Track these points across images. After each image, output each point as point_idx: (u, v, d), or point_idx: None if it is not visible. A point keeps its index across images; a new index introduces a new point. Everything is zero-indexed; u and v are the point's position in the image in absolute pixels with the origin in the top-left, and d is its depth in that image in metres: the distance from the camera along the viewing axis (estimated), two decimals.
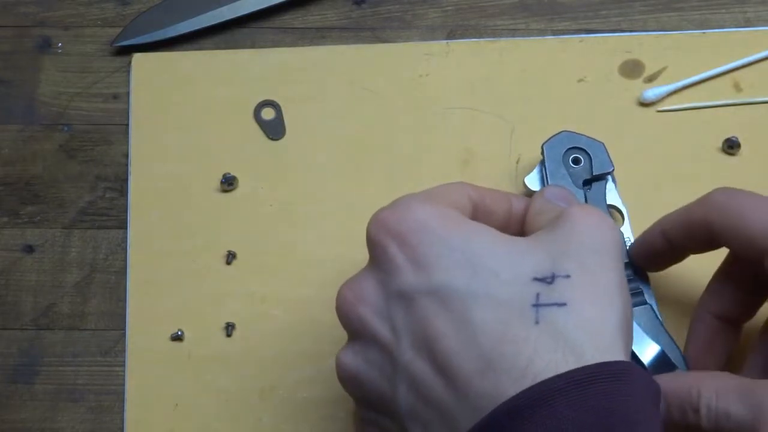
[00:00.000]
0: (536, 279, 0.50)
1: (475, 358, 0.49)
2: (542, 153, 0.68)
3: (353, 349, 0.55)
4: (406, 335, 0.52)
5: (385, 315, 0.53)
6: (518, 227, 0.60)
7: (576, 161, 0.68)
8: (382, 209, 0.56)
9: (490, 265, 0.51)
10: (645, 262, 0.65)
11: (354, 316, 0.54)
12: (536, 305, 0.49)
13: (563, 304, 0.49)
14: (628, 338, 0.51)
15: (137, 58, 0.76)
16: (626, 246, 0.66)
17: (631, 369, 0.49)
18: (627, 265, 0.65)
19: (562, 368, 0.47)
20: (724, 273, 0.62)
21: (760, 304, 0.62)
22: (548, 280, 0.50)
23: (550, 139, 0.68)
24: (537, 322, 0.49)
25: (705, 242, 0.60)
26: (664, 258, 0.64)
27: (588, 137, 0.68)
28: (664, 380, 0.56)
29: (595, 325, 0.49)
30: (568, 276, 0.50)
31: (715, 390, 0.54)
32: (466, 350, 0.49)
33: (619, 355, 0.49)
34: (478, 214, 0.58)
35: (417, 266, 0.52)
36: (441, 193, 0.57)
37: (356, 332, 0.55)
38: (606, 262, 0.52)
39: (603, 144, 0.68)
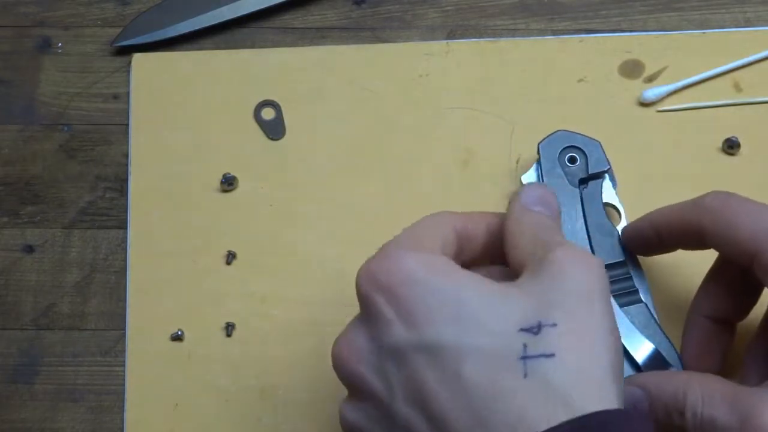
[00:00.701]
0: (523, 330, 0.50)
1: (467, 414, 0.49)
2: (538, 152, 0.68)
3: (352, 403, 0.55)
4: (400, 390, 0.52)
5: (379, 370, 0.53)
6: (499, 245, 0.59)
7: (572, 160, 0.68)
8: (370, 260, 0.55)
9: (478, 317, 0.51)
10: (634, 248, 0.66)
11: (349, 372, 0.54)
12: (524, 357, 0.49)
13: (551, 355, 0.49)
14: (620, 382, 0.51)
15: (137, 58, 0.76)
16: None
17: (622, 416, 0.48)
18: (622, 264, 0.66)
19: (553, 420, 0.47)
20: (714, 275, 0.62)
21: (752, 304, 0.62)
22: (534, 330, 0.50)
23: (546, 138, 0.68)
24: (525, 375, 0.49)
25: (695, 243, 0.60)
26: (653, 248, 0.64)
27: (584, 136, 0.68)
28: (652, 378, 0.56)
29: (585, 373, 0.49)
30: (554, 324, 0.50)
31: (702, 395, 0.54)
32: (458, 407, 0.49)
33: (610, 402, 0.49)
34: (463, 242, 0.58)
35: (406, 321, 0.52)
36: (426, 232, 0.56)
37: (353, 387, 0.55)
38: (593, 307, 0.51)
39: (599, 142, 0.68)
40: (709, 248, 0.60)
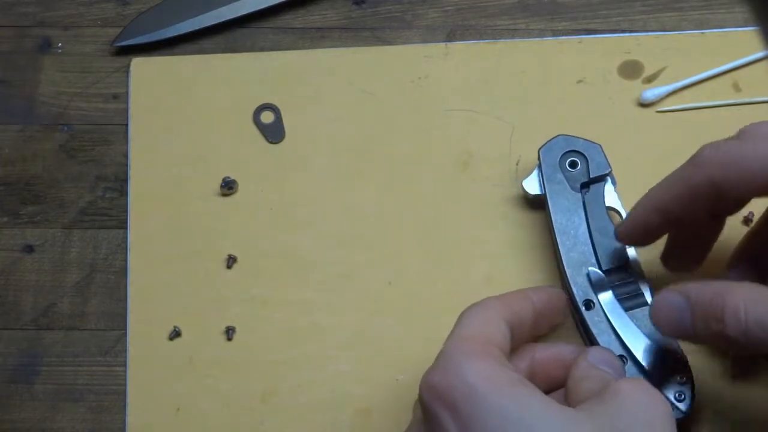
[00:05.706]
0: None
1: None
2: (539, 157, 0.68)
3: None
4: None
5: None
6: (540, 322, 0.61)
7: (573, 165, 0.68)
8: (432, 371, 0.54)
9: None
10: (636, 240, 0.64)
11: None
12: None
13: None
14: None
15: (136, 62, 0.76)
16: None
17: None
18: (625, 267, 0.66)
19: None
20: None
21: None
22: None
23: (546, 143, 0.68)
24: None
25: (709, 205, 0.59)
26: (655, 234, 0.63)
27: (584, 140, 0.68)
28: (693, 286, 0.56)
29: None
30: None
31: (743, 298, 0.53)
32: None
33: None
34: (515, 328, 0.58)
35: None
36: (481, 331, 0.56)
37: None
38: None
39: (600, 146, 0.68)
40: (719, 211, 0.60)
